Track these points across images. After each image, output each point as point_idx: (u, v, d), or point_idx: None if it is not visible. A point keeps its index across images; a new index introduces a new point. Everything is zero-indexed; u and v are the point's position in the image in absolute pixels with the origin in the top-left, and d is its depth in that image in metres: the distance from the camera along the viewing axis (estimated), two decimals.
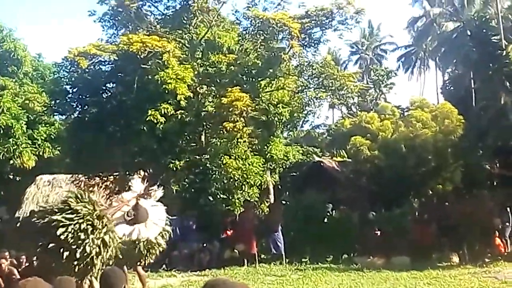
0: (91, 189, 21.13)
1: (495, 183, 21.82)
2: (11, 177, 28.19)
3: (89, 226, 10.01)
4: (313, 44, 22.26)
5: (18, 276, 12.49)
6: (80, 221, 10.00)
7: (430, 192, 20.89)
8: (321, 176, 23.80)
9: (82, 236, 9.86)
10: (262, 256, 17.86)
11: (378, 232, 18.67)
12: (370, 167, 22.05)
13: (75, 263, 9.76)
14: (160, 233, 11.74)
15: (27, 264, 12.97)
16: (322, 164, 25.27)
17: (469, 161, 21.04)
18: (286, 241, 17.87)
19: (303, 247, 18.38)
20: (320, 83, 22.17)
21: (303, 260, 17.70)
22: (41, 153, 27.44)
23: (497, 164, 21.99)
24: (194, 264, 17.38)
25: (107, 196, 20.02)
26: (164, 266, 16.80)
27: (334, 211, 20.95)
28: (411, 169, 20.96)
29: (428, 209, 19.01)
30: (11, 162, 26.40)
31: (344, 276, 14.86)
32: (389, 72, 50.98)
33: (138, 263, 12.24)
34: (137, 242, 11.40)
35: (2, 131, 26.14)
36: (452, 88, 29.41)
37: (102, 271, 5.34)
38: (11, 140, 26.21)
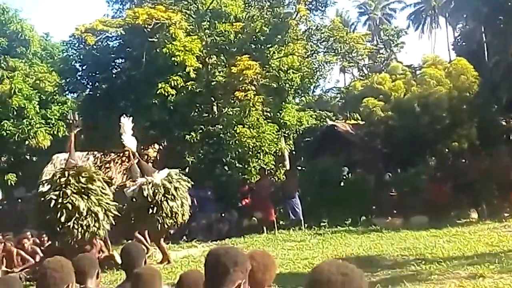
0: (107, 165, 21.28)
1: (511, 138, 21.68)
2: (28, 157, 28.40)
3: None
4: (320, 7, 22.05)
5: (42, 254, 12.69)
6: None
7: (446, 150, 20.76)
8: (335, 139, 23.74)
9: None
10: (281, 222, 17.93)
11: (395, 193, 18.65)
12: (384, 128, 21.92)
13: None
14: (183, 203, 12.22)
15: (49, 243, 13.13)
16: (335, 127, 25.18)
17: (484, 117, 20.86)
18: (303, 206, 17.91)
19: (321, 212, 18.42)
20: (330, 47, 21.98)
21: (321, 224, 17.75)
22: (55, 132, 27.55)
23: None
24: (213, 234, 17.49)
25: (124, 171, 20.13)
26: (184, 237, 16.94)
27: (350, 174, 20.93)
28: (425, 128, 20.82)
29: (444, 167, 18.93)
30: (26, 142, 26.57)
31: (363, 237, 14.90)
32: (399, 31, 50.40)
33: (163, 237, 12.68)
34: (160, 217, 11.78)
35: (15, 113, 26.25)
36: (463, 43, 29.04)
37: (123, 245, 5.39)
38: (25, 121, 26.32)
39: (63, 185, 11.11)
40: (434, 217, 16.42)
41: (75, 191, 11.07)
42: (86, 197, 11.15)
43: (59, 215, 10.83)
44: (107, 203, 11.54)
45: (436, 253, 11.59)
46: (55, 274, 3.62)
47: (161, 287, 4.22)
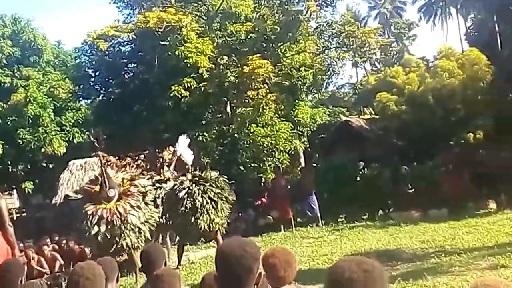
0: (123, 169, 21.34)
1: None
2: (44, 165, 28.64)
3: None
4: (330, 3, 21.99)
5: (62, 261, 12.78)
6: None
7: (462, 142, 20.62)
8: (350, 135, 23.65)
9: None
10: (298, 220, 17.92)
11: (412, 186, 18.56)
12: (398, 122, 21.81)
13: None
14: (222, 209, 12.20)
15: (68, 248, 13.22)
16: (349, 123, 25.08)
17: (499, 106, 20.68)
18: (320, 203, 17.88)
19: (338, 208, 18.39)
20: (341, 42, 21.93)
21: (339, 220, 17.72)
22: (70, 139, 27.77)
23: None
24: (231, 234, 17.49)
25: (139, 174, 20.19)
26: (202, 238, 16.95)
27: (365, 169, 20.86)
28: (440, 120, 20.69)
29: (460, 159, 18.78)
30: (43, 150, 26.80)
31: (381, 232, 14.85)
32: (410, 24, 50.13)
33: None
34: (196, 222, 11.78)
35: (31, 121, 26.49)
36: (476, 33, 28.79)
37: (143, 249, 5.41)
38: (40, 128, 26.55)
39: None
40: (452, 209, 16.32)
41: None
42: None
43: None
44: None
45: (456, 245, 11.53)
46: (87, 282, 3.61)
47: None
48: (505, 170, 16.45)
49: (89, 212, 10.51)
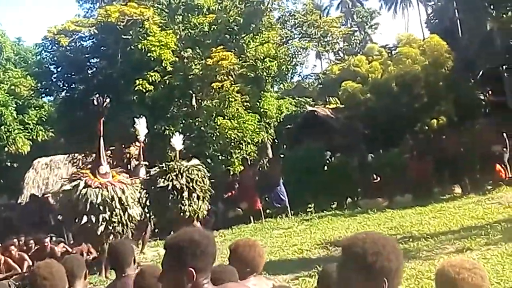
0: (89, 166, 21.10)
1: (488, 111, 21.84)
2: (8, 164, 28.15)
3: None
4: None
5: (30, 261, 12.59)
6: None
7: (426, 128, 20.88)
8: (316, 125, 23.74)
9: None
10: (267, 211, 17.98)
11: (378, 174, 18.75)
12: (363, 110, 21.96)
13: None
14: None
15: (37, 248, 13.03)
16: (315, 113, 25.17)
17: (460, 91, 20.99)
18: (288, 193, 17.95)
19: (306, 198, 18.50)
20: (304, 32, 21.99)
21: (308, 210, 17.83)
22: (34, 137, 27.35)
23: (489, 92, 21.98)
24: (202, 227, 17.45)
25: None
26: (171, 232, 16.90)
27: (333, 158, 20.99)
28: (404, 107, 20.90)
29: (425, 145, 19.04)
30: (6, 149, 26.33)
31: (350, 220, 15.01)
32: (372, 12, 50.46)
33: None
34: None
35: None
36: (436, 20, 29.12)
37: (110, 243, 5.35)
38: (2, 127, 26.08)
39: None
40: (418, 195, 16.57)
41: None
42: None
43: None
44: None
45: (422, 230, 11.72)
46: (45, 282, 3.55)
47: None
48: (468, 154, 16.76)
49: (95, 184, 10.68)
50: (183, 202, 12.09)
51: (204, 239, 2.62)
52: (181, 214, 12.10)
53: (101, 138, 11.79)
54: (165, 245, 2.68)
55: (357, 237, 2.28)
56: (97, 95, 12.30)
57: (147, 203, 12.53)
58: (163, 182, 12.05)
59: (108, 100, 12.31)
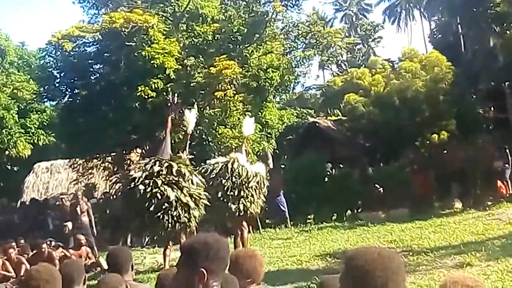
0: (90, 171, 21.12)
1: (490, 127, 21.86)
2: (9, 167, 28.16)
3: None
4: (296, 4, 22.06)
5: (28, 265, 12.56)
6: None
7: (427, 142, 20.89)
8: (318, 136, 23.78)
9: None
10: (267, 221, 17.92)
11: (379, 187, 18.73)
12: (365, 123, 21.99)
13: None
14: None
15: (34, 252, 13.00)
16: (317, 124, 25.22)
17: (463, 107, 21.01)
18: (288, 204, 17.92)
19: (306, 209, 18.46)
20: (308, 43, 22.04)
21: (307, 221, 17.79)
22: (35, 141, 27.36)
23: (491, 108, 22.00)
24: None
25: (107, 177, 20.01)
26: (170, 241, 16.82)
27: (333, 170, 20.99)
28: (406, 121, 20.93)
29: (426, 159, 19.06)
30: (7, 153, 26.34)
31: (349, 232, 14.96)
32: (375, 26, 50.63)
33: None
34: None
35: None
36: (440, 35, 29.22)
37: (109, 250, 5.31)
38: (4, 131, 26.08)
39: (155, 175, 11.14)
40: (419, 209, 16.54)
41: (165, 181, 11.10)
42: (176, 188, 11.16)
43: (148, 205, 10.88)
44: (198, 193, 11.60)
45: (422, 244, 11.68)
46: (48, 286, 3.52)
47: None
48: (469, 170, 16.74)
49: None
50: (238, 199, 12.06)
51: (216, 243, 2.78)
52: (234, 211, 12.09)
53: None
54: (181, 248, 2.91)
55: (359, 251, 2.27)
56: None
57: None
58: (218, 179, 12.00)
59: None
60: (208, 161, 13.17)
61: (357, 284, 2.19)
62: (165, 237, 11.61)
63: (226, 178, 12.05)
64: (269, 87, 22.33)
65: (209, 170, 12.38)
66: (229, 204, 12.02)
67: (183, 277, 2.72)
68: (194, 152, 20.11)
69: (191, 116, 13.50)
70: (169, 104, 12.84)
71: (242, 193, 12.08)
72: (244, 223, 12.74)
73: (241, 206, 12.13)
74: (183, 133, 16.22)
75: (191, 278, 2.66)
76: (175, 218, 11.10)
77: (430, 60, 22.33)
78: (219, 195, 12.01)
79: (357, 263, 2.21)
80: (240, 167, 12.19)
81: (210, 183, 12.12)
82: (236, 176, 12.07)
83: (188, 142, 13.87)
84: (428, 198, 17.32)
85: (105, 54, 21.06)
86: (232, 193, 11.99)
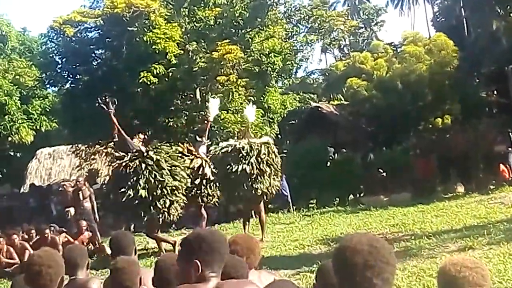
0: (92, 157, 21.14)
1: (494, 111, 21.80)
2: (12, 153, 28.23)
3: None
4: None
5: (31, 250, 12.60)
6: None
7: (430, 126, 20.86)
8: (320, 121, 23.75)
9: None
10: (269, 206, 17.93)
11: (382, 171, 18.73)
12: (368, 107, 21.95)
13: None
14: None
15: (38, 237, 13.05)
16: (320, 109, 25.16)
17: (466, 91, 20.94)
18: (291, 189, 17.93)
19: (309, 193, 18.48)
20: (310, 27, 21.93)
21: (310, 205, 17.81)
22: (38, 127, 27.38)
23: (494, 92, 21.92)
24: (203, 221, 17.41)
25: (109, 163, 20.00)
26: (173, 225, 16.86)
27: (336, 154, 20.98)
28: (409, 105, 20.88)
29: (429, 143, 19.03)
30: (9, 139, 26.38)
31: (352, 216, 14.98)
32: (378, 9, 50.33)
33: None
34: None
35: None
36: (443, 19, 29.04)
37: (112, 235, 5.33)
38: (6, 117, 26.11)
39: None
40: (421, 193, 16.55)
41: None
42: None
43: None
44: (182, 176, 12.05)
45: (425, 228, 11.68)
46: (50, 271, 3.52)
47: None
48: (472, 154, 16.73)
49: None
50: (254, 181, 12.22)
51: (210, 235, 2.96)
52: (253, 192, 12.27)
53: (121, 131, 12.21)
54: (180, 243, 3.08)
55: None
56: (104, 98, 12.39)
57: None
58: (234, 164, 12.19)
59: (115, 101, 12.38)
60: (220, 144, 13.38)
61: (340, 264, 2.22)
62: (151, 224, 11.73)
63: (246, 161, 12.16)
64: (271, 72, 22.27)
65: (227, 152, 12.56)
66: (248, 185, 12.19)
67: (181, 269, 2.91)
68: (197, 137, 20.26)
69: (214, 105, 13.72)
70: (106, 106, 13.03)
71: (261, 173, 12.27)
72: (261, 205, 12.82)
73: (261, 186, 12.24)
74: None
75: (187, 270, 2.83)
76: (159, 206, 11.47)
77: (436, 44, 22.18)
78: (239, 178, 12.18)
79: (343, 244, 2.24)
80: (256, 148, 12.34)
81: (227, 167, 12.30)
82: (256, 158, 12.20)
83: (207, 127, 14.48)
84: (430, 182, 17.33)
85: (107, 39, 21.02)
86: (252, 173, 12.15)
